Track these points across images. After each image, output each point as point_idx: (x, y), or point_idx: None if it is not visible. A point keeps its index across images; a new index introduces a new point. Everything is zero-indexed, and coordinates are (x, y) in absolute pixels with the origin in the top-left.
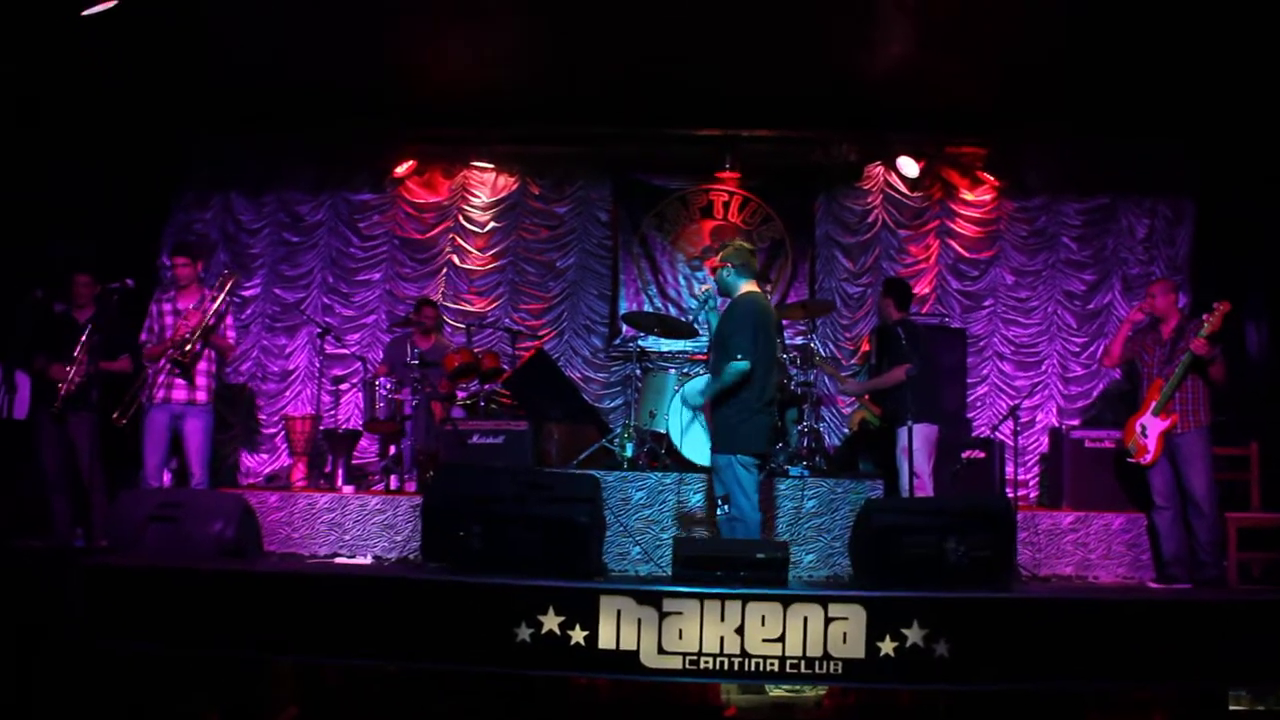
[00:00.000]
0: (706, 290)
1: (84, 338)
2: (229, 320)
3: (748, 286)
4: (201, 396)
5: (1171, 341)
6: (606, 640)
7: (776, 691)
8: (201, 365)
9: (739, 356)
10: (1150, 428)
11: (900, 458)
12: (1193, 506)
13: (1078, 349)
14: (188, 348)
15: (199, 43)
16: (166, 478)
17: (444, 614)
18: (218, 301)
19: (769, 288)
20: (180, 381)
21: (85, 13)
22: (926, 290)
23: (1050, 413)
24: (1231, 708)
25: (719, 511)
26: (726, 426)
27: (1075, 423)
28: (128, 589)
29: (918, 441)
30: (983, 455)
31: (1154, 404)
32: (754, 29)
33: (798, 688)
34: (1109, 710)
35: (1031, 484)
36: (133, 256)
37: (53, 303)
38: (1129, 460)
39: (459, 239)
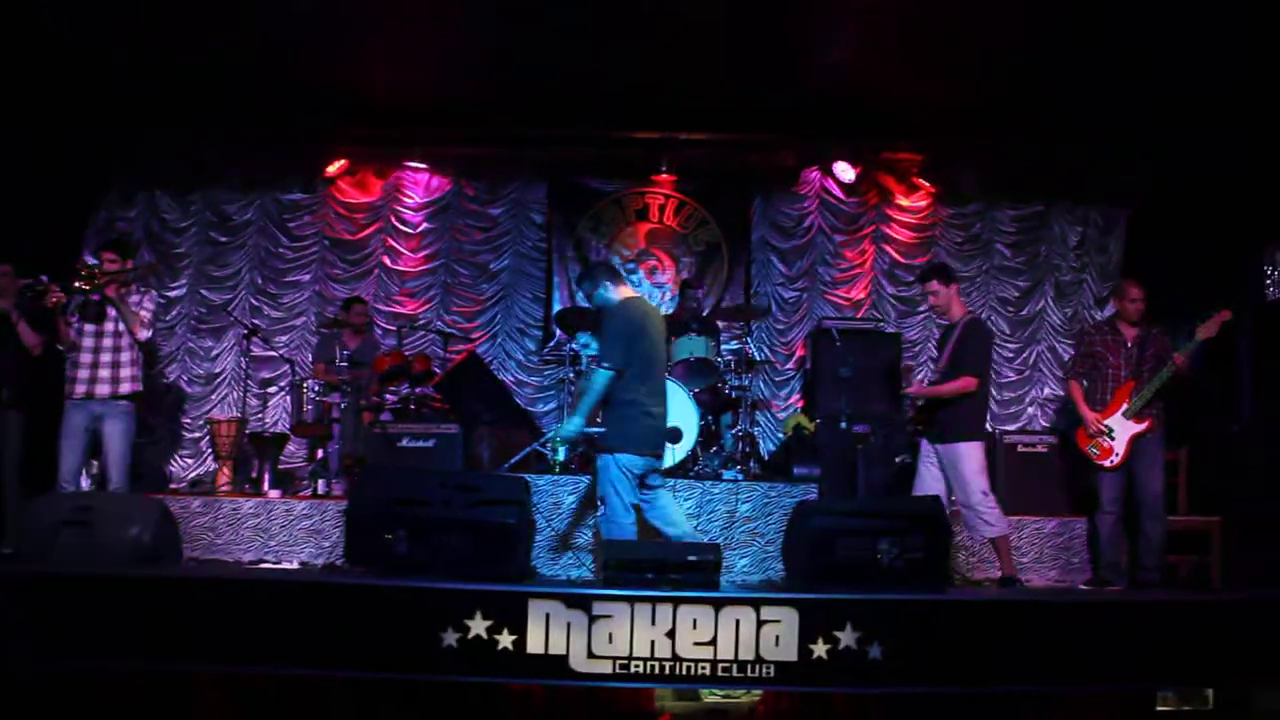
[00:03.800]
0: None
1: None
2: (139, 298)
3: (623, 293)
4: (125, 390)
5: (1138, 344)
6: (535, 644)
7: (711, 696)
8: (125, 362)
9: (604, 364)
10: (1119, 430)
11: (961, 473)
12: (1147, 509)
13: (1011, 354)
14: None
15: (124, 37)
16: (85, 482)
17: (367, 619)
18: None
19: (702, 292)
20: (103, 375)
21: None
22: (861, 295)
23: None
24: (1159, 708)
25: (598, 512)
26: (608, 429)
27: (1008, 428)
28: (30, 600)
29: (979, 462)
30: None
31: (1125, 406)
32: (692, 33)
33: (732, 692)
34: (1046, 713)
35: None
36: (53, 254)
37: None
38: (1092, 462)
39: (391, 240)
